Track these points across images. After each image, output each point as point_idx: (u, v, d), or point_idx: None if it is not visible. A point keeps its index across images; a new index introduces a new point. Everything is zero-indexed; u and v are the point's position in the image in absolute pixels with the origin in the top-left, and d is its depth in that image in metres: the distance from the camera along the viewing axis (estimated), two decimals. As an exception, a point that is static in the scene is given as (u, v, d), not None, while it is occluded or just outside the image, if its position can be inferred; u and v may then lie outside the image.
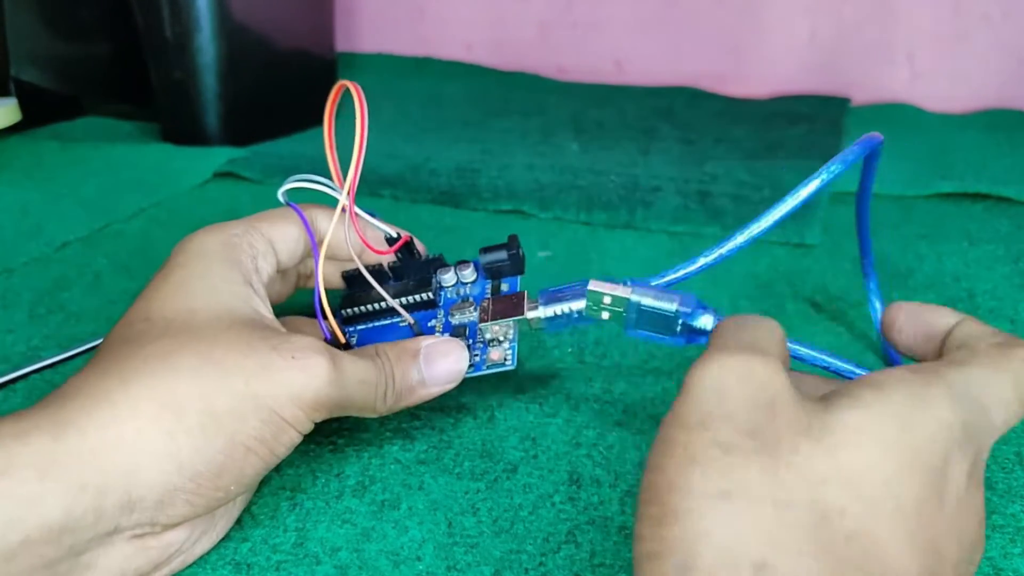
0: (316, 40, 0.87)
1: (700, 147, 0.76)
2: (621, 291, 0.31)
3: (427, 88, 1.00)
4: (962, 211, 0.62)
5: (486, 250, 0.36)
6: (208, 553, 0.30)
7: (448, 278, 0.37)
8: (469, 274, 0.37)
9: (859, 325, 0.46)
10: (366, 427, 0.37)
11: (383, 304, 0.36)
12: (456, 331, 0.35)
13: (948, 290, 0.50)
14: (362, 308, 0.37)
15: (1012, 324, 0.46)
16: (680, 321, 0.30)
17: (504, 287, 0.36)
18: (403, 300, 0.36)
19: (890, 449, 0.20)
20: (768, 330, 0.24)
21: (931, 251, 0.55)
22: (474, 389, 0.40)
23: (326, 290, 0.36)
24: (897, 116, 0.88)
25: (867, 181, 0.37)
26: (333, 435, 0.37)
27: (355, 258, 0.35)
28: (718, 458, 0.19)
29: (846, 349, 0.43)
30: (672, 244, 0.57)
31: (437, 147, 0.77)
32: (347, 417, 0.38)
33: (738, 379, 0.21)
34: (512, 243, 0.36)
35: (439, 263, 0.37)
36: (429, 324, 0.36)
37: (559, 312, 0.32)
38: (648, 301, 0.30)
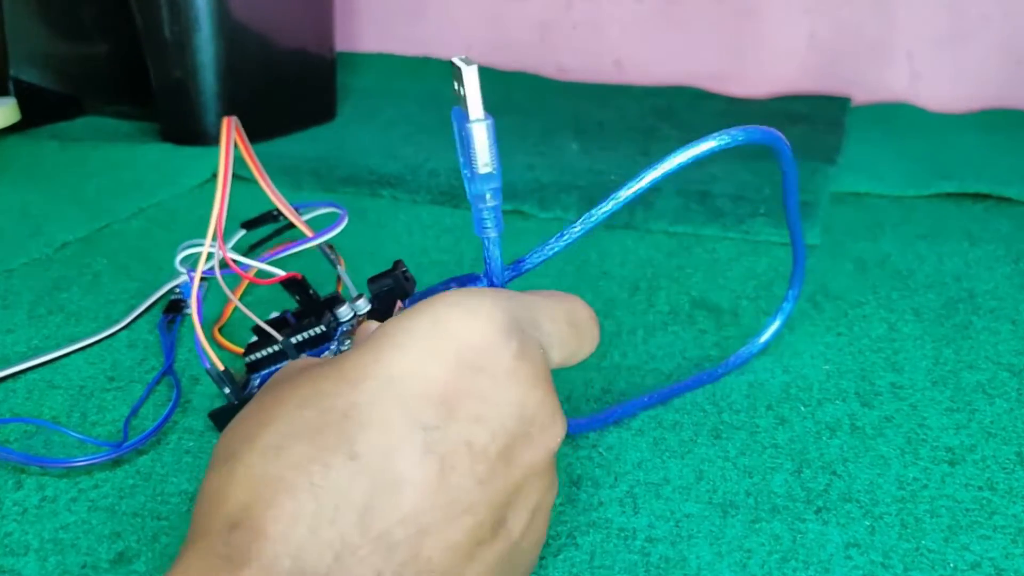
0: (316, 40, 0.87)
1: (700, 147, 0.76)
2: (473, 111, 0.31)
3: (427, 88, 1.00)
4: (963, 211, 0.62)
5: (373, 279, 0.37)
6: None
7: (344, 312, 0.38)
8: (362, 305, 0.38)
9: (859, 325, 0.46)
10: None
11: (278, 347, 0.38)
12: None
13: (948, 290, 0.50)
14: (261, 353, 0.38)
15: (1013, 324, 0.46)
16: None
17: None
18: (298, 338, 0.37)
19: (421, 339, 0.23)
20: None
21: (932, 251, 0.55)
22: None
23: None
24: (897, 116, 0.88)
25: (790, 180, 0.38)
26: (333, 436, 0.37)
27: (232, 297, 0.37)
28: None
29: (846, 348, 0.43)
30: (672, 244, 0.57)
31: (437, 147, 0.77)
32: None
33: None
34: (396, 267, 0.37)
35: (336, 300, 0.38)
36: (323, 356, 0.37)
37: None
38: (477, 140, 0.30)
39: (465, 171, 0.28)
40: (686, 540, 0.31)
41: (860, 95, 0.94)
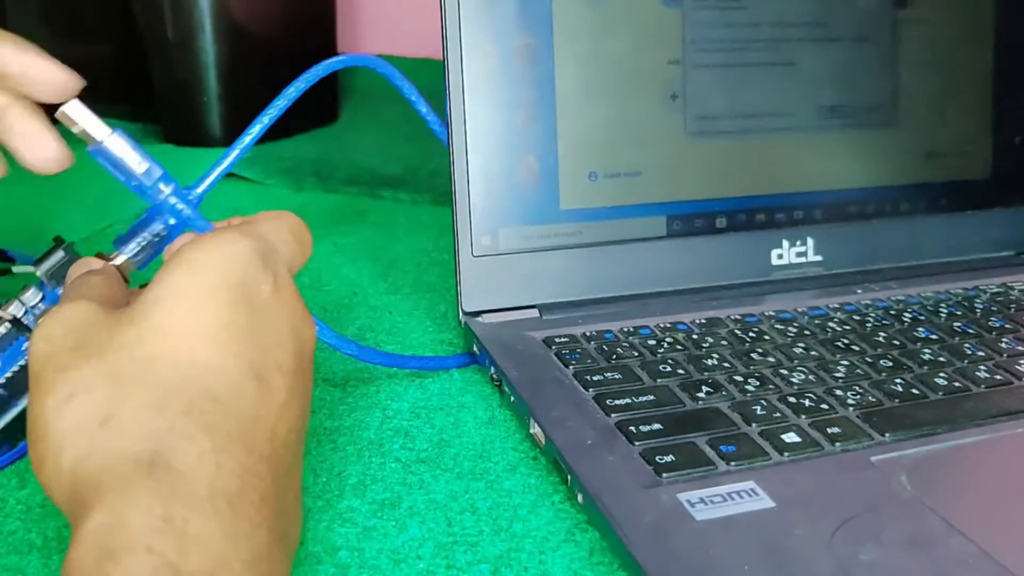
0: (317, 40, 0.87)
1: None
2: (98, 131, 0.34)
3: (429, 88, 1.00)
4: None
5: (39, 261, 0.36)
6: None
7: (15, 308, 0.35)
8: (31, 296, 0.36)
9: (858, 325, 0.46)
10: (367, 425, 0.37)
11: None
12: None
13: (947, 290, 0.50)
14: None
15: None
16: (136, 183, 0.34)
17: None
18: None
19: (189, 288, 0.26)
20: (100, 278, 0.30)
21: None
22: (474, 389, 0.40)
23: None
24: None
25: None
26: (333, 433, 0.37)
27: None
28: (58, 377, 0.24)
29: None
30: (672, 244, 0.57)
31: (438, 148, 0.77)
32: (346, 416, 0.38)
33: (59, 322, 0.26)
34: (58, 243, 0.37)
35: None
36: (23, 347, 0.35)
37: (141, 244, 0.34)
38: (119, 151, 0.34)
39: (134, 185, 0.32)
40: (685, 538, 0.31)
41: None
